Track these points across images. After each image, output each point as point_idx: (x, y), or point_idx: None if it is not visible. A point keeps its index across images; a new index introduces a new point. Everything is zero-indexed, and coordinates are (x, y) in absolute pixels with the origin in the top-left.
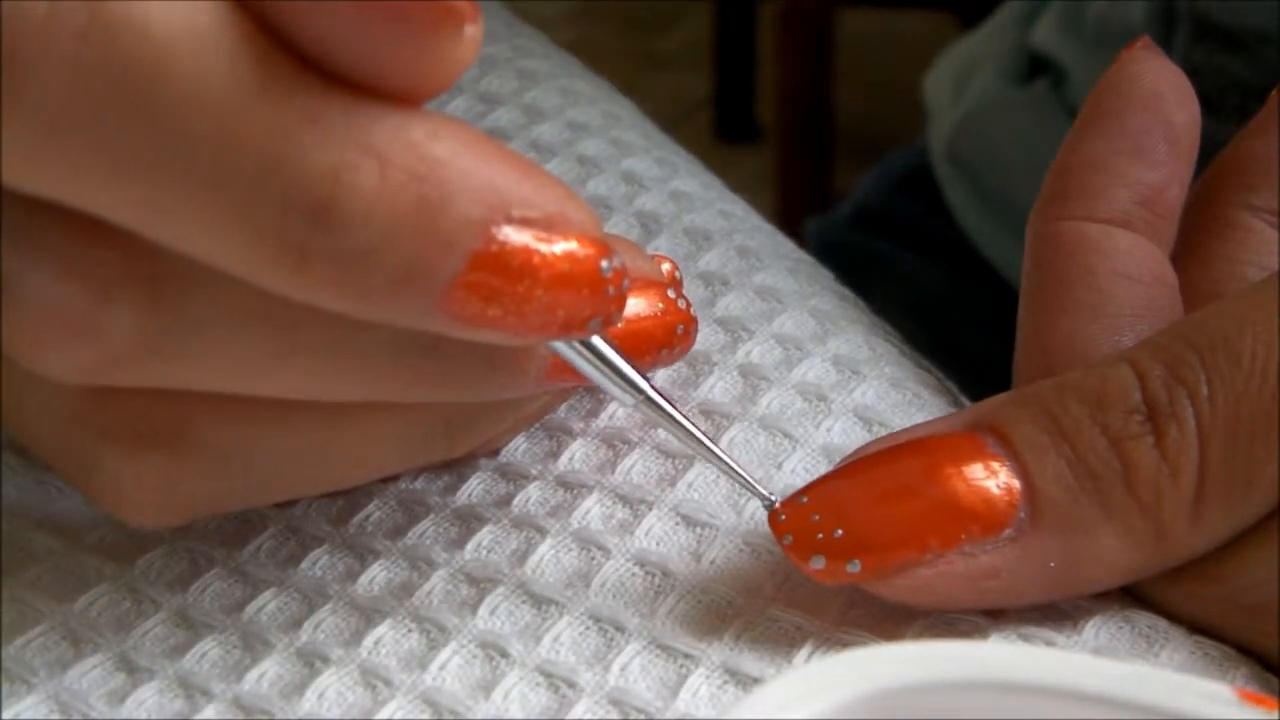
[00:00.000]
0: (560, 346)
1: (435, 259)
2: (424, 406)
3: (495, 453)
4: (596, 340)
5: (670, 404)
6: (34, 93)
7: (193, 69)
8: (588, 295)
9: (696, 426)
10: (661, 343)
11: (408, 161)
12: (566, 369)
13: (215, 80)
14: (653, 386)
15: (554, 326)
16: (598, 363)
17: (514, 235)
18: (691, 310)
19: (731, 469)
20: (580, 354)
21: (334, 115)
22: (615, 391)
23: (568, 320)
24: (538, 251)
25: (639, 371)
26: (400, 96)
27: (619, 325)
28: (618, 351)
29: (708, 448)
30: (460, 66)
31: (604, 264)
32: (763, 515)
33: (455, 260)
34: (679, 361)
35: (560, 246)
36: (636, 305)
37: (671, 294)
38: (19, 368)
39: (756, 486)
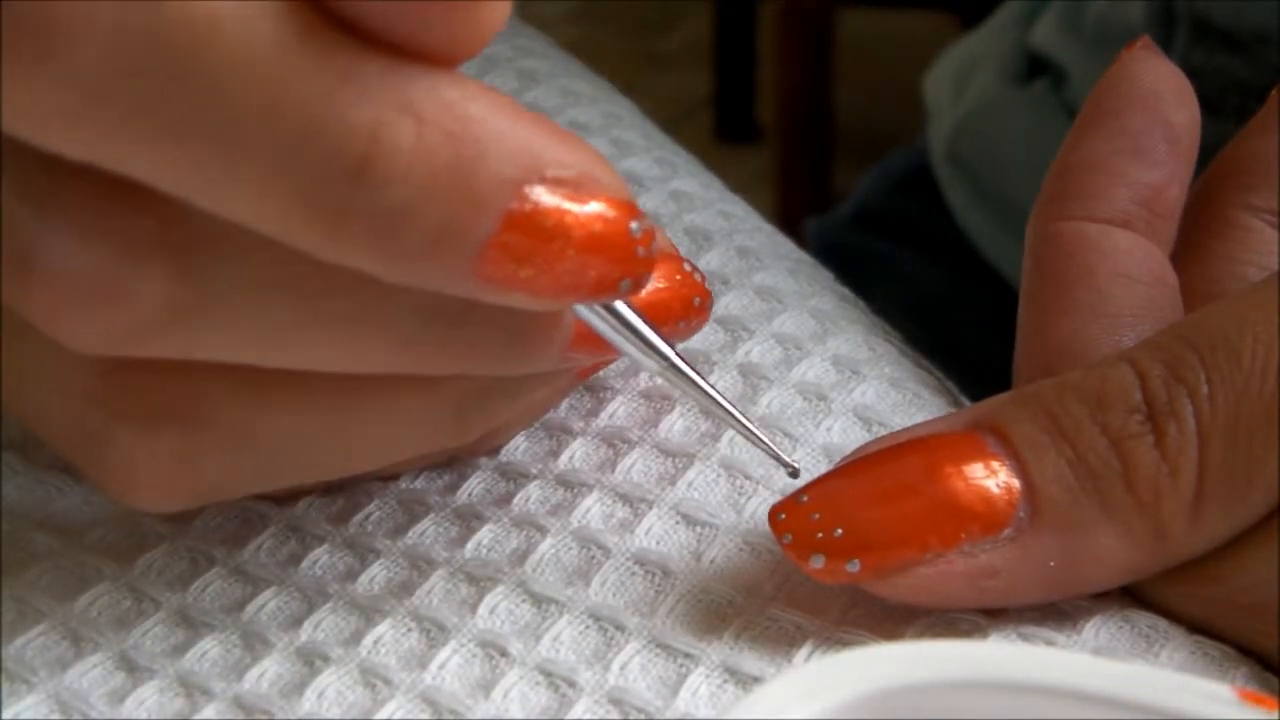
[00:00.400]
0: (587, 313)
1: (470, 218)
2: (437, 386)
3: (496, 451)
4: (621, 307)
5: (695, 371)
6: (77, 57)
7: (235, 34)
8: (618, 256)
9: (720, 394)
10: (679, 314)
11: (443, 120)
12: (588, 341)
13: (258, 44)
14: (677, 353)
15: (585, 288)
16: (624, 329)
17: (546, 195)
18: (706, 283)
19: (757, 436)
20: (606, 320)
21: (371, 74)
22: (641, 358)
23: (599, 281)
24: (570, 212)
25: (664, 338)
26: (433, 59)
27: (643, 294)
28: (642, 318)
29: (732, 415)
30: (492, 28)
31: (633, 225)
32: (763, 514)
33: (489, 219)
34: (695, 334)
35: (592, 207)
36: (654, 277)
37: (688, 266)
38: (28, 346)
39: (781, 454)
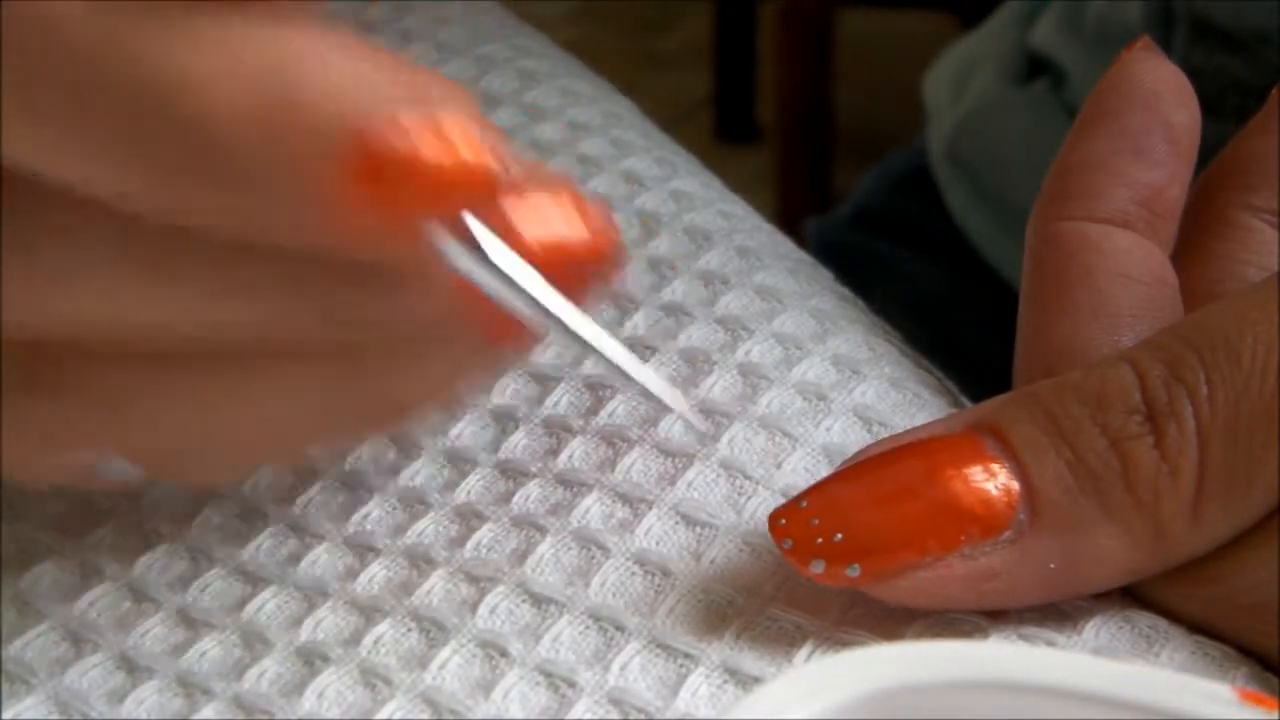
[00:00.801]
0: (464, 264)
1: (301, 155)
2: (323, 354)
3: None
4: (499, 251)
5: (586, 323)
6: None
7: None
8: (469, 175)
9: (620, 347)
10: (586, 259)
11: (260, 60)
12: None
13: (71, 13)
14: (567, 303)
15: (435, 207)
16: (501, 278)
17: (383, 124)
18: (613, 223)
19: (658, 395)
20: (481, 269)
21: (176, 16)
22: (528, 311)
23: (448, 201)
24: (409, 136)
25: (558, 291)
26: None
27: (528, 238)
28: (533, 267)
29: (629, 373)
30: None
31: (484, 142)
32: (763, 515)
33: (323, 154)
34: (610, 297)
35: (433, 128)
36: (550, 221)
37: (589, 201)
38: None
39: (690, 416)
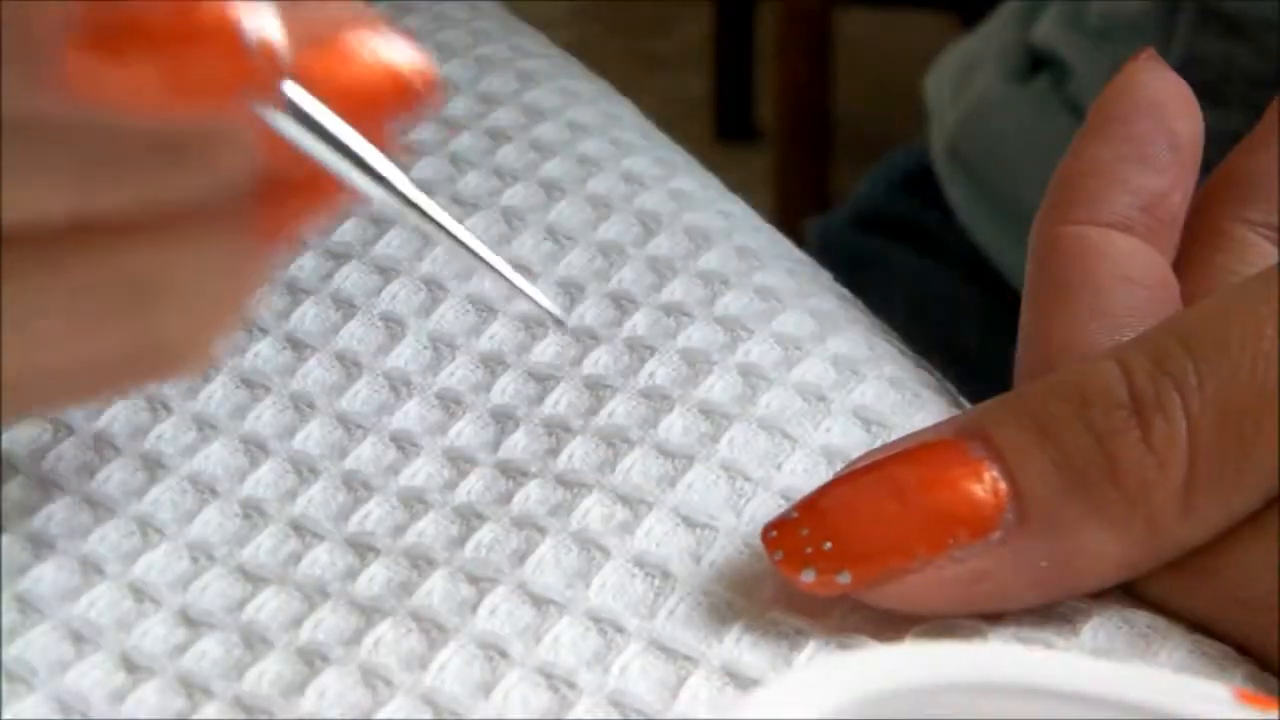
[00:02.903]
0: (274, 119)
1: (27, 31)
2: (108, 258)
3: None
4: (307, 103)
5: (413, 188)
6: None
7: None
8: (223, 63)
9: (453, 221)
10: (397, 100)
11: None
12: (282, 147)
13: None
14: (390, 162)
15: (191, 96)
16: (312, 136)
17: (116, 4)
18: (422, 58)
19: (504, 276)
20: (292, 128)
21: None
22: (351, 179)
23: (204, 89)
24: (149, 11)
25: (378, 150)
26: None
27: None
28: (344, 123)
29: (470, 248)
30: None
31: (246, 25)
32: (763, 516)
33: (49, 30)
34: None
35: (176, 10)
36: (344, 58)
37: (401, 42)
38: None
39: (540, 299)
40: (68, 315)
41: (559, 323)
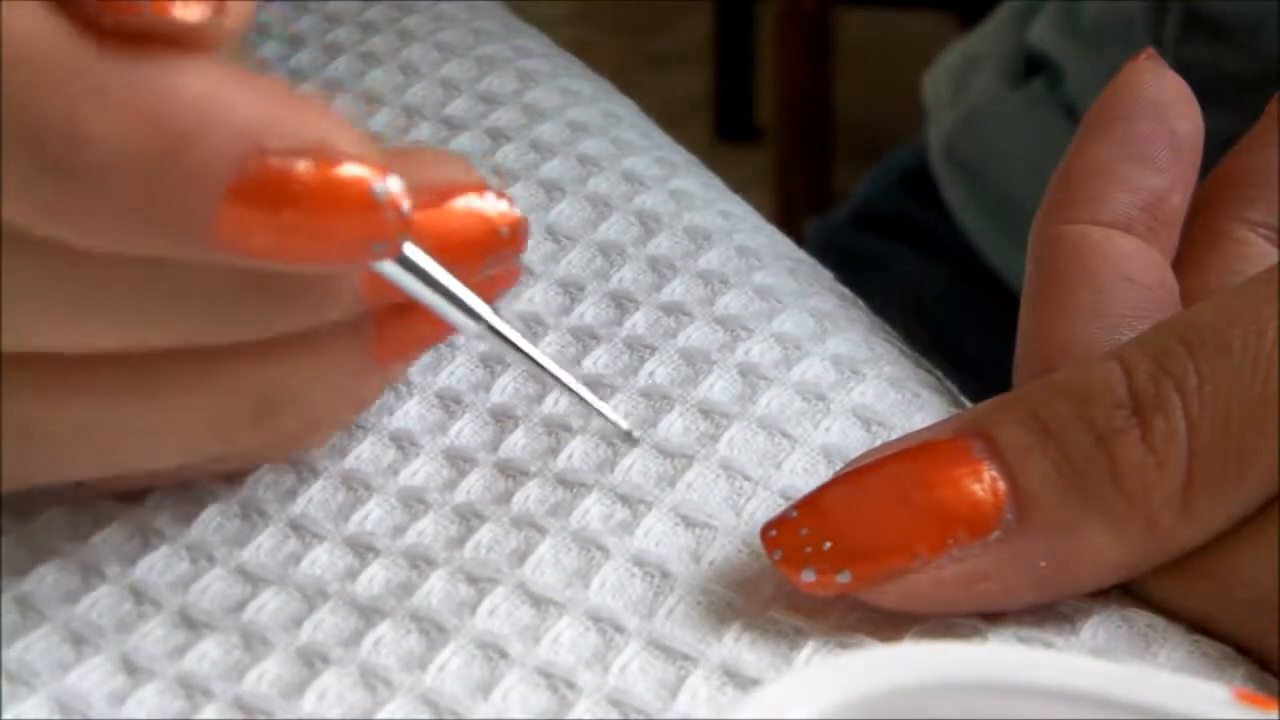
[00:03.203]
0: (384, 266)
1: (186, 199)
2: (229, 378)
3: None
4: (418, 256)
5: (505, 325)
6: None
7: None
8: (360, 221)
9: (539, 353)
10: (483, 249)
11: (148, 108)
12: (381, 287)
13: None
14: (484, 303)
15: (331, 253)
16: (420, 282)
17: (270, 166)
18: (516, 209)
19: (585, 399)
20: (404, 277)
21: (68, 71)
22: (446, 313)
23: (344, 247)
24: (296, 179)
25: (474, 293)
26: (180, 45)
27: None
28: (446, 270)
29: (553, 374)
30: (226, 37)
31: (376, 187)
32: (763, 516)
33: (209, 197)
34: (517, 281)
35: (322, 173)
36: (448, 214)
37: (490, 196)
38: None
39: (612, 416)
40: (201, 425)
41: (633, 440)
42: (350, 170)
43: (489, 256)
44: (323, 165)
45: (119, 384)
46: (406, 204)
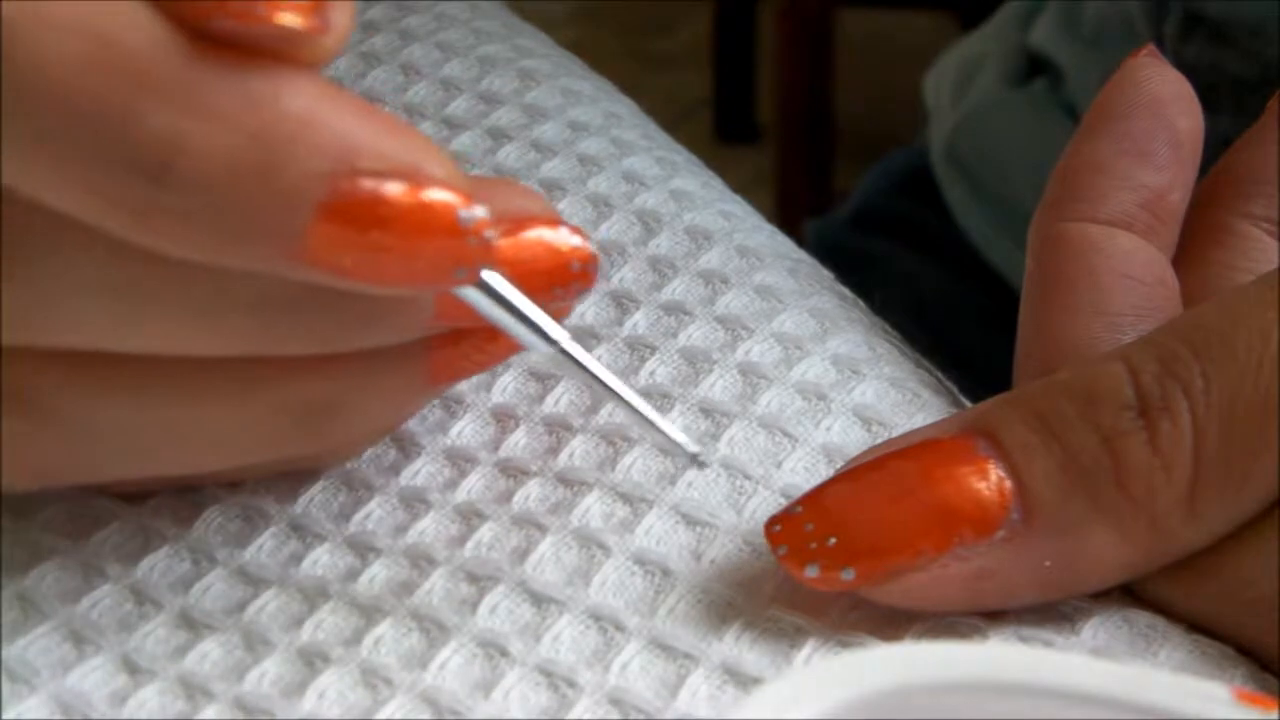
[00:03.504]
0: (464, 291)
1: (278, 213)
2: (279, 390)
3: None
4: (496, 280)
5: (579, 349)
6: None
7: (25, 42)
8: (445, 245)
9: (610, 374)
10: (555, 280)
11: (245, 121)
12: (454, 312)
13: (46, 52)
14: (559, 327)
15: (414, 276)
16: (498, 304)
17: (362, 186)
18: (589, 244)
19: (650, 422)
20: (482, 300)
21: (170, 80)
22: (521, 335)
23: (428, 269)
24: (386, 201)
25: (548, 315)
26: (286, 59)
27: (499, 269)
28: (526, 297)
29: (621, 397)
30: (329, 55)
31: (462, 213)
32: (764, 514)
33: (300, 213)
34: (585, 302)
35: (412, 196)
36: (523, 244)
37: (564, 230)
38: None
39: (677, 438)
40: (249, 432)
41: (700, 464)
42: (439, 195)
43: (557, 288)
44: (413, 188)
45: (171, 386)
46: (491, 231)
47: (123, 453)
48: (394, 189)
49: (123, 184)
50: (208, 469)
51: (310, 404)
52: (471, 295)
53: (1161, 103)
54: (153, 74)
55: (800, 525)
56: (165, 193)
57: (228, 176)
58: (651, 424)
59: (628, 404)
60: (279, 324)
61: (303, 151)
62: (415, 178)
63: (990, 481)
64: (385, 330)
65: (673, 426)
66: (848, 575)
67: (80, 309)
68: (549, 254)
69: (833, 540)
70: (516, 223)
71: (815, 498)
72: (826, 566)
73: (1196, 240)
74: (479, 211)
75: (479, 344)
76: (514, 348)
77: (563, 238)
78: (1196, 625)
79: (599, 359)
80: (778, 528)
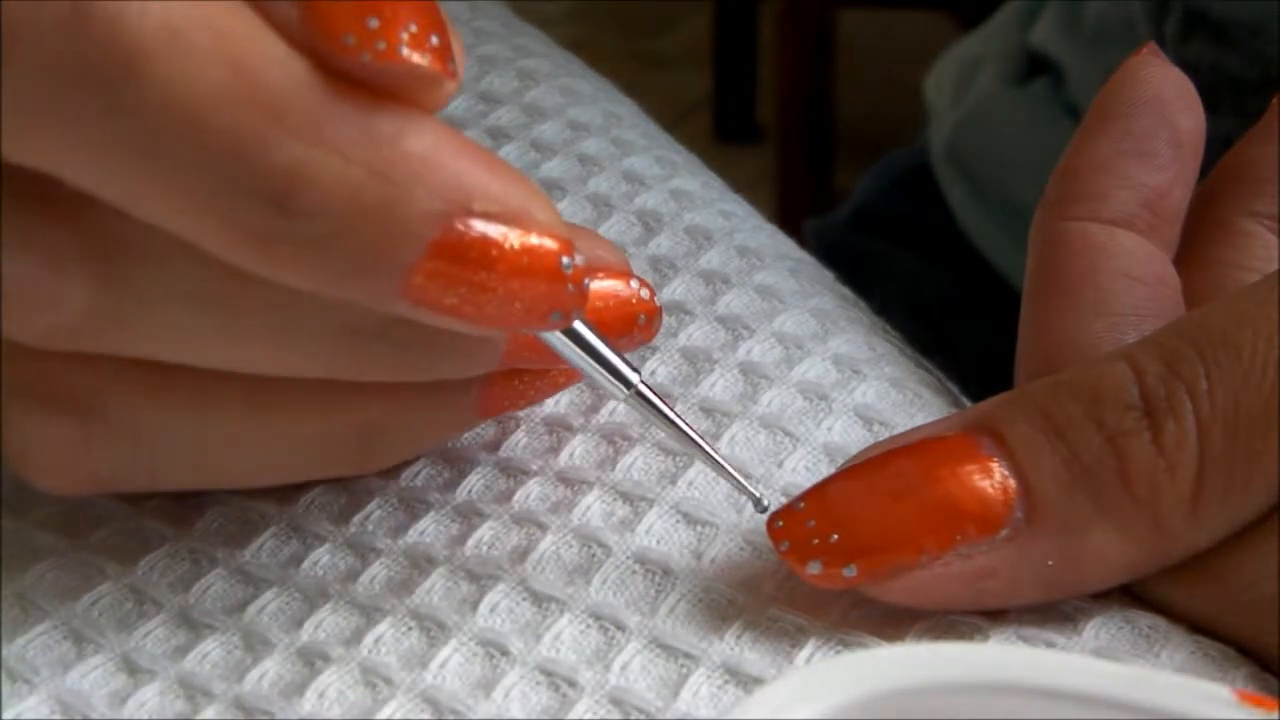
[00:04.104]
0: (548, 335)
1: (392, 248)
2: (340, 414)
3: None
4: (582, 328)
5: (658, 396)
6: (15, 75)
7: (161, 69)
8: (546, 289)
9: (685, 421)
10: (619, 331)
11: (369, 158)
12: (525, 350)
13: (182, 80)
14: (637, 373)
15: (512, 317)
16: (583, 351)
17: (474, 227)
18: (655, 300)
19: (723, 467)
20: (564, 343)
21: (301, 114)
22: (599, 380)
23: (526, 312)
24: (496, 244)
25: (627, 362)
26: (403, 100)
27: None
28: (605, 342)
29: (696, 442)
30: (447, 100)
31: (564, 260)
32: (765, 514)
33: (412, 250)
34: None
35: (520, 240)
36: (596, 293)
37: (635, 284)
38: None
39: (747, 485)
40: (304, 450)
41: (763, 509)
42: (544, 241)
43: (622, 338)
44: (521, 233)
45: (237, 402)
46: (587, 282)
47: (179, 464)
48: (503, 232)
49: (247, 210)
50: (259, 485)
51: (367, 427)
52: (552, 337)
53: (1163, 101)
54: (284, 105)
55: (803, 521)
56: (287, 221)
57: (348, 209)
58: (723, 468)
59: (700, 447)
60: (362, 353)
61: (421, 190)
62: (524, 222)
63: (994, 480)
64: (459, 365)
65: (745, 479)
66: (850, 572)
67: (175, 319)
68: (619, 305)
69: (835, 537)
70: (592, 271)
71: (818, 494)
72: (829, 563)
73: (1200, 238)
74: (579, 260)
75: (531, 380)
76: (559, 385)
77: (633, 291)
78: (1197, 625)
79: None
80: (780, 523)
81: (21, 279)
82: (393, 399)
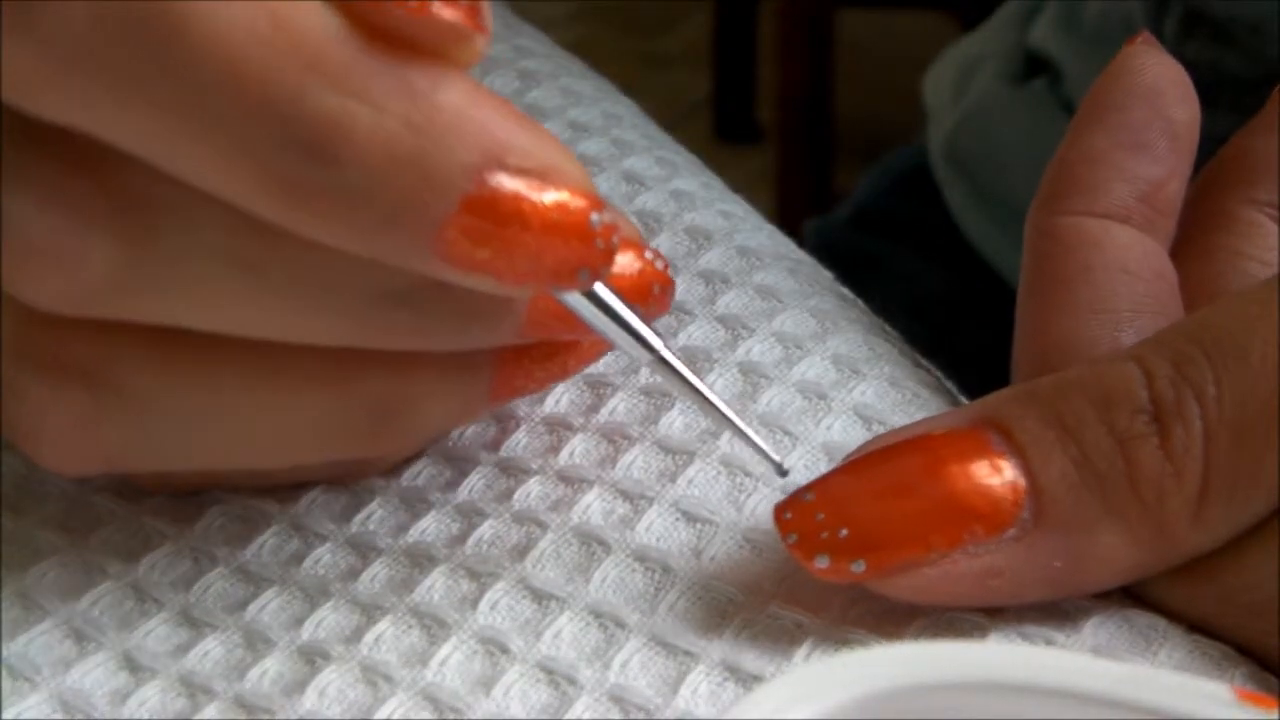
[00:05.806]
0: (569, 298)
1: (426, 200)
2: (352, 388)
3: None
4: (604, 292)
5: (678, 360)
6: (53, 24)
7: (203, 19)
8: (576, 245)
9: (706, 386)
10: (634, 301)
11: (404, 110)
12: (545, 322)
13: (223, 29)
14: (659, 336)
15: (542, 274)
16: (606, 315)
17: (506, 182)
18: (669, 271)
19: (745, 434)
20: (587, 307)
21: (338, 65)
22: (621, 341)
23: (556, 269)
24: (528, 199)
25: (650, 326)
26: (438, 58)
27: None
28: (629, 305)
29: (719, 409)
30: (479, 56)
31: (594, 216)
32: (764, 511)
33: (446, 202)
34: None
35: (551, 196)
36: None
37: (650, 254)
38: None
39: (770, 452)
40: (317, 426)
41: (783, 473)
42: (575, 198)
43: (636, 310)
44: (552, 189)
45: (252, 372)
46: (615, 238)
47: (192, 440)
48: (535, 187)
49: (281, 159)
50: (271, 465)
51: (382, 402)
52: (576, 301)
53: (1158, 92)
54: (321, 56)
55: (811, 514)
56: (321, 171)
57: (383, 161)
58: (741, 431)
59: (719, 411)
60: (385, 318)
61: (455, 143)
62: (554, 178)
63: (1003, 477)
64: (480, 334)
65: (766, 443)
66: (858, 568)
67: (199, 280)
68: (635, 275)
69: (844, 532)
70: (617, 230)
71: (826, 486)
72: (837, 558)
73: (1200, 227)
74: (607, 216)
75: (539, 362)
76: (569, 369)
77: (647, 262)
78: (1196, 625)
79: (599, 358)
80: (788, 514)
81: (45, 237)
82: (407, 374)
